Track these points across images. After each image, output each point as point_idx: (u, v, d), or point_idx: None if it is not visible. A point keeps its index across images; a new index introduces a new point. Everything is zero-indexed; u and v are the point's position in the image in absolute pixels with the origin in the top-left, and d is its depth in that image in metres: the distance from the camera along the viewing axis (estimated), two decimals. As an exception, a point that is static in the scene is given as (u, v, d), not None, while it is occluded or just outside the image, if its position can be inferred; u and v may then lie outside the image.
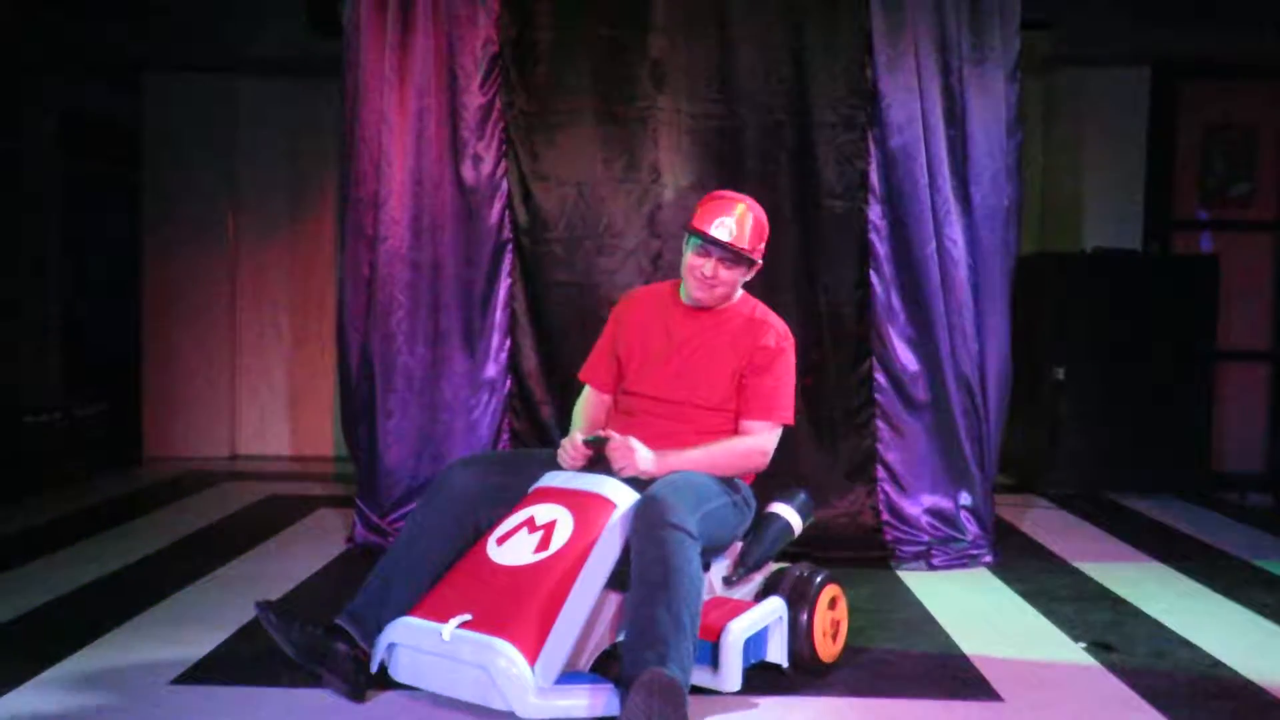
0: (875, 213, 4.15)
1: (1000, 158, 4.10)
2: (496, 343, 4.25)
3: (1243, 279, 6.12)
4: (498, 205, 4.21)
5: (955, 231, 4.08)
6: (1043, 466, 5.73)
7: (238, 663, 2.93)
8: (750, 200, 2.94)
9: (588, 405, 3.10)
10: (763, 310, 3.02)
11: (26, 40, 5.92)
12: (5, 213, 5.79)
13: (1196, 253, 6.29)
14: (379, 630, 2.61)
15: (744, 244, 2.85)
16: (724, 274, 2.88)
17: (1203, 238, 6.36)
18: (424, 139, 4.11)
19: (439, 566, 2.71)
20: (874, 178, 4.14)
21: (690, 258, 2.90)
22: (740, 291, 3.01)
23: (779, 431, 2.93)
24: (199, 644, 3.05)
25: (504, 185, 4.22)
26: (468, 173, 4.16)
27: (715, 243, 2.85)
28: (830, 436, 4.26)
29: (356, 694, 2.60)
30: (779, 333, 2.95)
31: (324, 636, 2.65)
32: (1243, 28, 5.91)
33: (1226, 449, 6.15)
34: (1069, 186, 6.33)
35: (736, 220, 2.87)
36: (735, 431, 2.91)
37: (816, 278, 4.23)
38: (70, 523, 4.63)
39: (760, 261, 2.95)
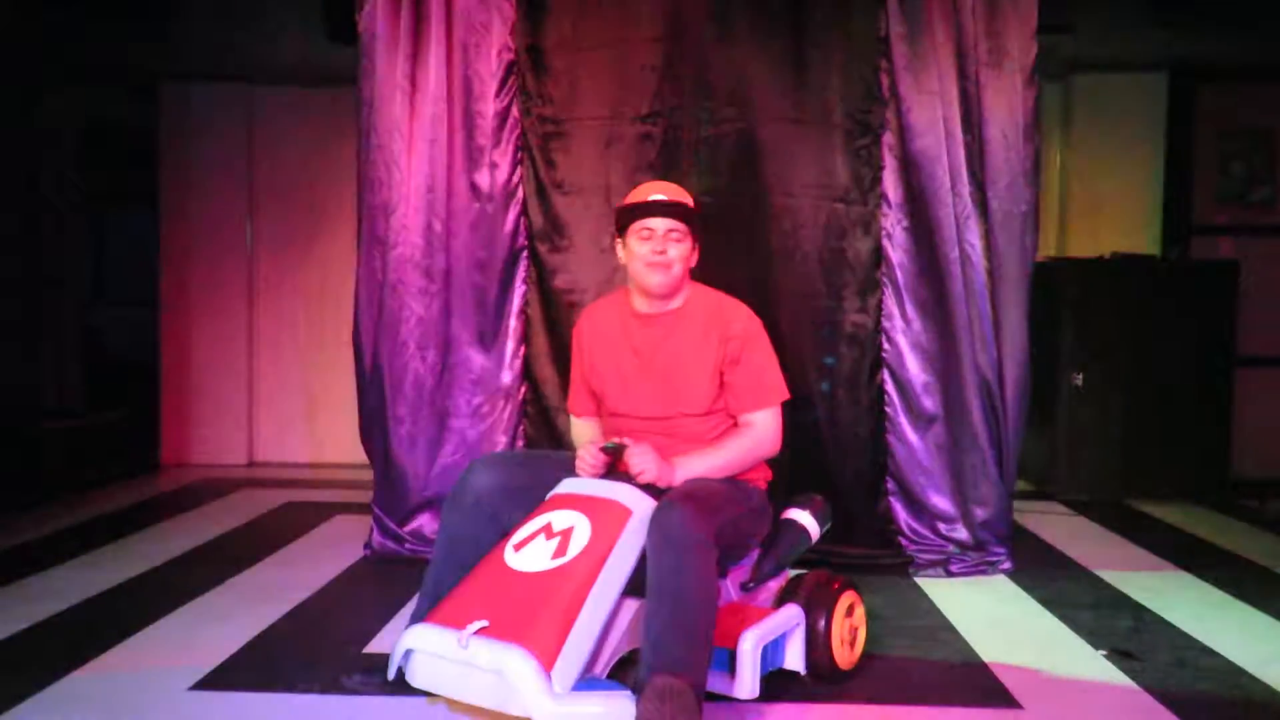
0: (889, 219, 4.13)
1: (1018, 163, 4.08)
2: (510, 350, 4.25)
3: (1263, 284, 6.07)
4: (513, 212, 4.22)
5: (974, 237, 4.06)
6: (1061, 473, 5.69)
7: (256, 669, 2.94)
8: (671, 184, 2.95)
9: (586, 428, 3.09)
10: (719, 298, 2.95)
11: (45, 50, 5.97)
12: (25, 221, 5.83)
13: (1216, 257, 6.25)
14: None
15: (687, 201, 2.83)
16: (674, 250, 2.83)
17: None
18: (439, 146, 4.13)
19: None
20: (888, 183, 4.12)
21: (634, 246, 2.84)
22: (689, 284, 2.95)
23: (780, 411, 2.89)
24: (217, 650, 3.06)
25: (519, 192, 4.22)
26: (483, 180, 4.17)
27: (659, 207, 2.81)
28: (847, 444, 4.23)
29: None
30: (744, 316, 2.90)
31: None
32: (1261, 31, 5.88)
33: (1247, 455, 6.09)
34: (1087, 191, 6.30)
35: (665, 190, 2.87)
36: (734, 427, 2.88)
37: (831, 285, 4.22)
38: (89, 529, 4.65)
39: (696, 242, 2.90)
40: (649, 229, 2.83)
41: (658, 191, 2.88)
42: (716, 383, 2.85)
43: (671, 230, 2.83)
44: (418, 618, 2.74)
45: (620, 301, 3.00)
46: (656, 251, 2.82)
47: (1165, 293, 5.70)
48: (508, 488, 2.80)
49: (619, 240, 2.93)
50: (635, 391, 2.89)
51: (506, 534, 2.71)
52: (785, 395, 2.91)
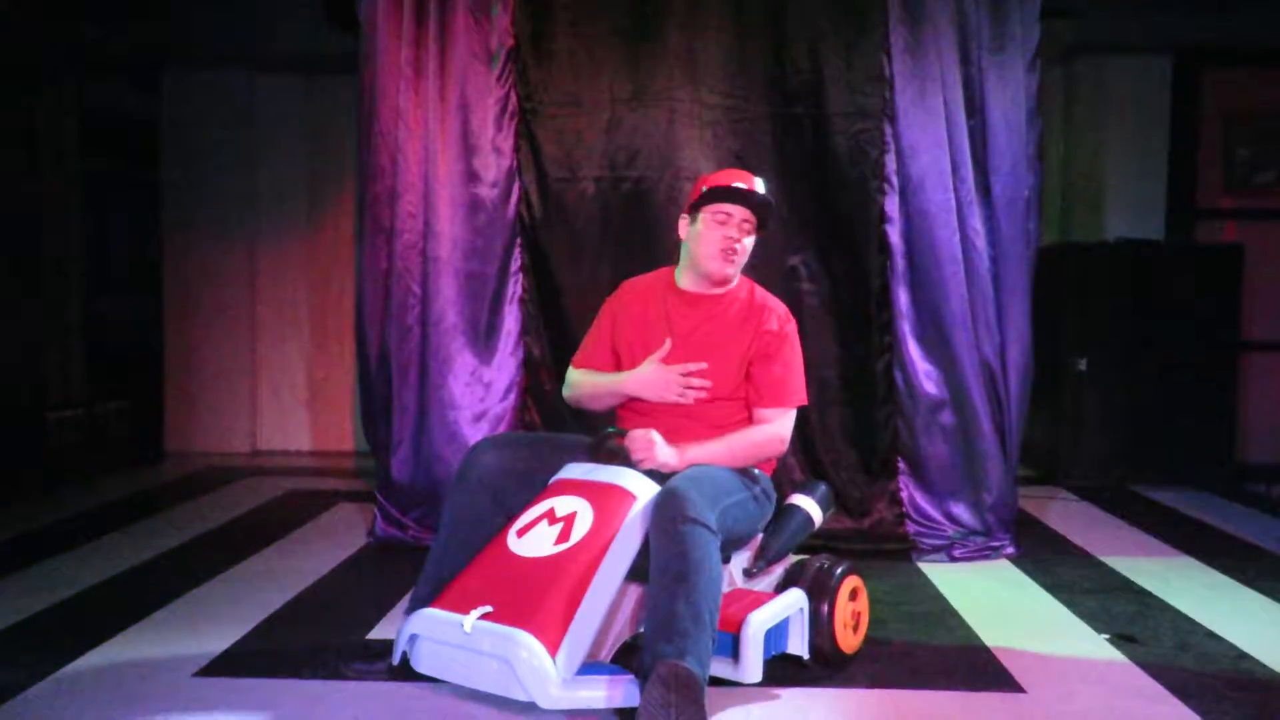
0: (891, 204, 4.12)
1: (1021, 147, 4.06)
2: (512, 337, 4.25)
3: (1269, 267, 6.04)
4: (514, 199, 4.21)
5: (977, 221, 4.05)
6: (1065, 458, 5.69)
7: (260, 655, 2.94)
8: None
9: (584, 376, 3.05)
10: (761, 293, 2.98)
11: (44, 39, 5.95)
12: (27, 211, 5.83)
13: (1220, 241, 6.23)
14: None
15: (768, 195, 2.85)
16: (745, 239, 2.87)
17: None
18: (440, 133, 4.11)
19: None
20: (890, 168, 4.11)
21: (706, 227, 2.86)
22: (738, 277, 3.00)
23: (794, 415, 2.91)
24: (222, 637, 3.06)
25: (520, 179, 4.21)
26: (483, 166, 4.16)
27: (740, 195, 2.82)
28: (852, 430, 4.23)
29: None
30: (780, 316, 2.92)
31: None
32: (1266, 13, 5.85)
33: (1252, 440, 6.08)
34: (1090, 176, 6.28)
35: (746, 181, 2.88)
36: (748, 419, 2.89)
37: (835, 271, 4.21)
38: (93, 518, 4.66)
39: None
40: (727, 214, 2.85)
41: (740, 180, 2.88)
42: (742, 373, 2.87)
43: (745, 220, 2.86)
44: (420, 596, 2.75)
45: (664, 278, 3.02)
46: (730, 239, 2.84)
47: (1170, 277, 5.68)
48: (512, 469, 2.81)
49: (686, 216, 2.94)
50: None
51: (510, 516, 2.72)
52: (803, 400, 2.93)
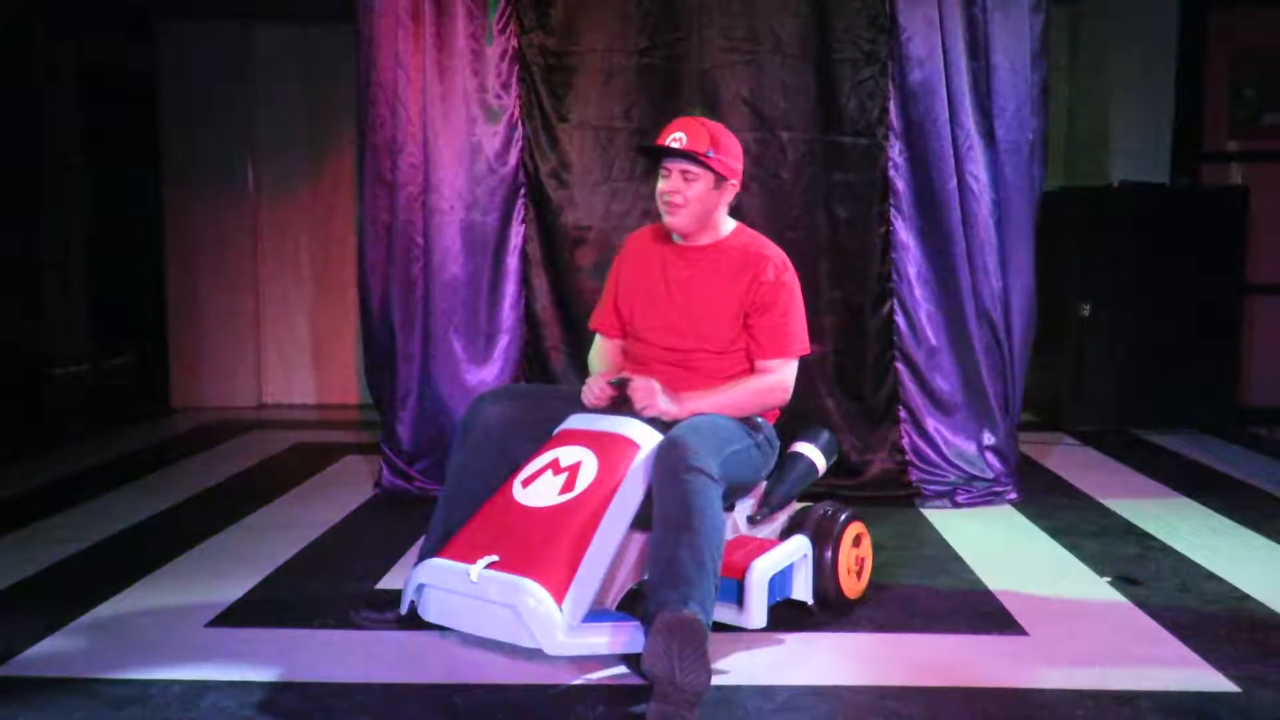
0: (895, 149, 4.09)
1: (1025, 90, 4.02)
2: (514, 287, 4.24)
3: (1275, 209, 6.00)
4: (515, 149, 4.18)
5: (978, 167, 4.02)
6: (1068, 403, 5.70)
7: (270, 606, 2.98)
8: (710, 121, 2.90)
9: (601, 354, 3.10)
10: (759, 242, 2.95)
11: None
12: (27, 169, 5.81)
13: (1225, 184, 6.17)
14: None
15: (699, 148, 2.78)
16: (687, 190, 2.81)
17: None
18: (441, 82, 4.07)
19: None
20: (893, 113, 4.07)
21: (659, 183, 2.85)
22: (732, 223, 2.96)
23: (796, 364, 2.90)
24: (232, 589, 3.10)
25: (521, 128, 4.18)
26: (484, 116, 4.12)
27: (665, 151, 2.80)
28: (854, 376, 4.24)
29: None
30: (777, 264, 2.88)
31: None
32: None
33: (1255, 383, 6.07)
34: (1095, 119, 6.22)
35: (686, 130, 2.82)
36: (750, 371, 2.89)
37: (838, 218, 4.19)
38: (102, 472, 4.69)
39: (733, 180, 2.87)
40: (666, 169, 2.84)
41: (680, 129, 2.83)
42: (739, 324, 2.85)
43: (685, 171, 2.81)
44: (427, 547, 2.78)
45: (662, 231, 3.01)
46: (669, 190, 2.83)
47: (1174, 220, 5.65)
48: (517, 420, 2.83)
49: None
50: (659, 320, 2.90)
51: (515, 468, 2.74)
52: (805, 349, 2.92)
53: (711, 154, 2.80)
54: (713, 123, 2.89)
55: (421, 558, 2.76)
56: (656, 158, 2.88)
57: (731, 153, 2.85)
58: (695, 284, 2.89)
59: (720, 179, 2.84)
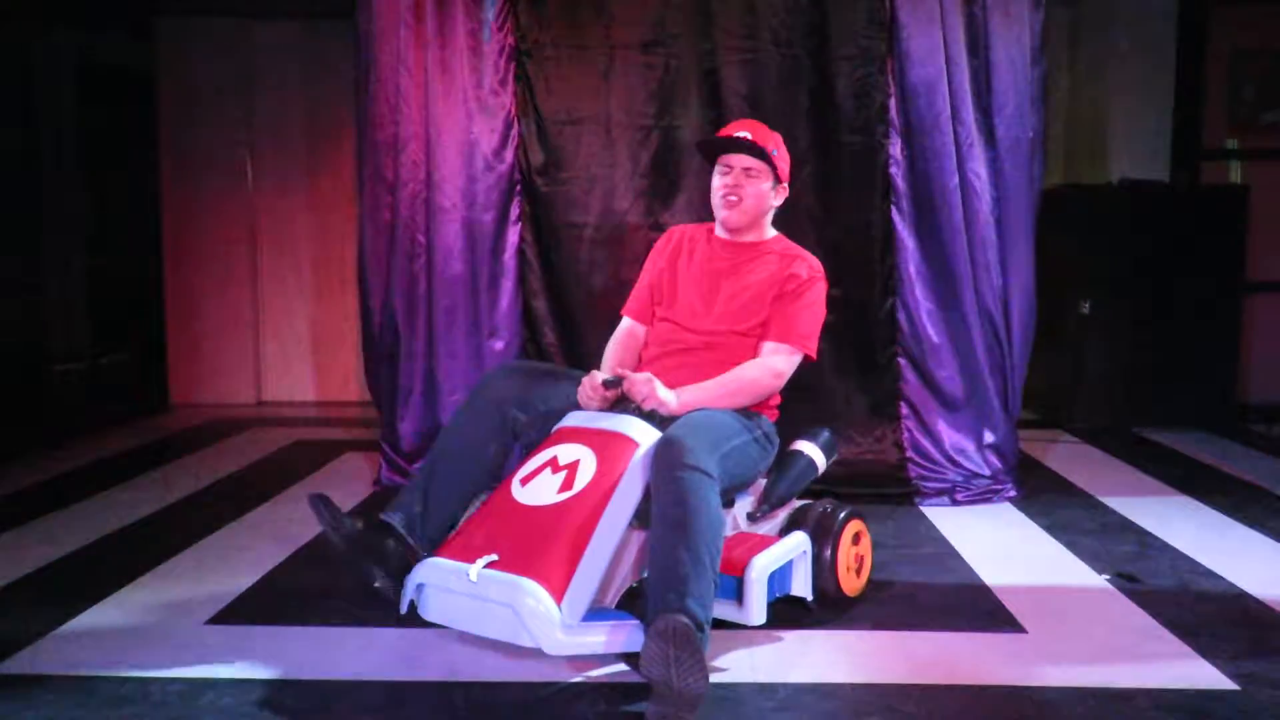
0: (896, 147, 4.09)
1: (1025, 88, 4.02)
2: (512, 286, 4.24)
3: (1274, 207, 5.99)
4: (512, 146, 4.18)
5: (979, 165, 4.02)
6: (1068, 401, 5.70)
7: (269, 603, 2.98)
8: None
9: (619, 344, 3.12)
10: (797, 249, 3.05)
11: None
12: (26, 165, 5.81)
13: (1225, 182, 6.17)
14: (424, 527, 2.73)
15: (766, 145, 2.89)
16: (748, 185, 2.92)
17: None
18: (442, 80, 4.07)
19: (480, 463, 2.81)
20: (894, 111, 4.08)
21: (714, 179, 2.97)
22: (774, 230, 3.07)
23: (797, 358, 2.92)
24: (231, 585, 3.10)
25: (518, 125, 4.18)
26: (482, 113, 4.12)
27: (734, 144, 2.88)
28: (854, 374, 4.24)
29: (398, 591, 2.63)
30: (812, 266, 2.98)
31: (374, 532, 2.73)
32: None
33: (1255, 381, 6.08)
34: (1095, 116, 6.21)
35: (751, 129, 2.95)
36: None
37: (839, 215, 4.19)
38: (101, 469, 4.69)
39: (786, 183, 3.00)
40: (727, 165, 2.94)
41: (744, 128, 2.96)
42: (764, 315, 2.92)
43: (748, 169, 2.92)
44: (404, 505, 2.78)
45: (708, 228, 3.12)
46: (728, 186, 2.93)
47: (1174, 218, 5.64)
48: (524, 398, 2.86)
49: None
50: (693, 301, 2.98)
51: (507, 443, 2.81)
52: (810, 350, 2.95)
53: (775, 152, 2.93)
54: (764, 126, 3.02)
55: (393, 510, 2.77)
56: (713, 154, 2.99)
57: (787, 159, 3.01)
58: (733, 274, 2.97)
59: (777, 180, 2.97)
